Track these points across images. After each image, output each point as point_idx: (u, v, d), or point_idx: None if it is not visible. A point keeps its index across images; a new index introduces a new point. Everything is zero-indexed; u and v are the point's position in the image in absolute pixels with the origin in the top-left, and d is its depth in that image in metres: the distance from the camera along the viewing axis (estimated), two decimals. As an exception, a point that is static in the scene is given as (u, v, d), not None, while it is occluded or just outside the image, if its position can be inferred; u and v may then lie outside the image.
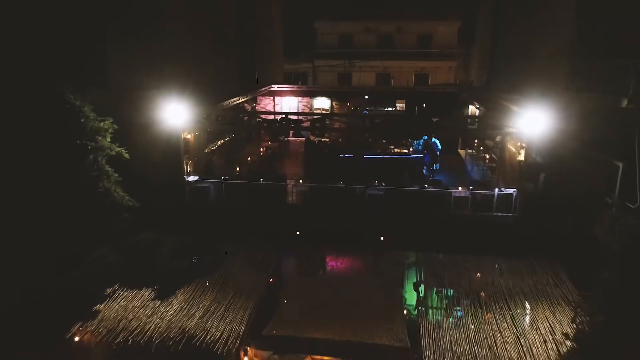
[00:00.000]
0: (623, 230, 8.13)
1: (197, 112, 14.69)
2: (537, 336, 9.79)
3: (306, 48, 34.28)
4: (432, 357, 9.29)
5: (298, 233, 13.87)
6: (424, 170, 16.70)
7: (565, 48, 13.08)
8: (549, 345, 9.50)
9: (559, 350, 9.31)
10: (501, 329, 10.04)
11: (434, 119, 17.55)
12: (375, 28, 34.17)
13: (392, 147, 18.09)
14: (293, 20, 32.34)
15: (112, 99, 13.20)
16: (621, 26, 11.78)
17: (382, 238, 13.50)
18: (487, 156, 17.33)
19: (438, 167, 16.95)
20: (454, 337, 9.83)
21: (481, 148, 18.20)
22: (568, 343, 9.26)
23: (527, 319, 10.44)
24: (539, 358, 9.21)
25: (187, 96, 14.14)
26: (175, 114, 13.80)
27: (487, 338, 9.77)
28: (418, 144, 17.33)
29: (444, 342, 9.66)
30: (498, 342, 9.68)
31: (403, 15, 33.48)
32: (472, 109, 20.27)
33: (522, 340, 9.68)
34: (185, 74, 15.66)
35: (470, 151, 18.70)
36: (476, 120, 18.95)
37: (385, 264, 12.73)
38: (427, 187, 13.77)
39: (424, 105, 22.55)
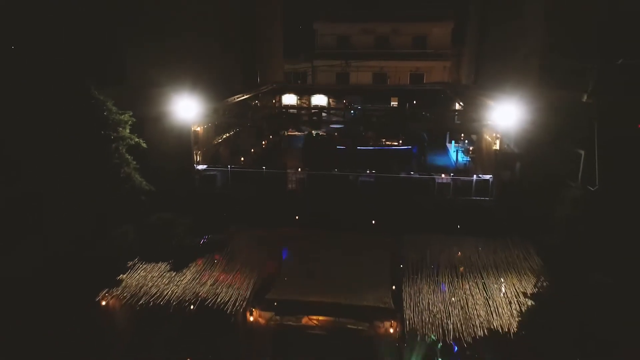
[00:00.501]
0: (566, 200, 9.63)
1: (206, 107, 16.20)
2: (503, 299, 11.31)
3: (306, 48, 35.66)
4: (411, 315, 10.80)
5: (297, 218, 15.36)
6: (412, 161, 18.20)
7: (536, 50, 14.58)
8: (513, 306, 11.02)
9: (521, 309, 10.82)
10: (473, 294, 11.56)
11: (424, 113, 18.99)
12: (372, 29, 35.54)
13: (384, 139, 19.60)
14: (293, 21, 33.77)
15: (130, 95, 14.68)
16: (584, 31, 13.27)
17: (373, 222, 15.02)
18: (471, 148, 18.84)
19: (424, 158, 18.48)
20: (431, 299, 11.34)
21: (466, 141, 19.71)
22: (529, 302, 10.82)
23: (497, 285, 11.92)
24: (503, 315, 10.72)
25: (197, 93, 15.65)
26: (186, 109, 15.29)
27: (460, 300, 11.29)
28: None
29: (423, 304, 11.17)
30: (469, 303, 11.19)
31: (399, 17, 34.80)
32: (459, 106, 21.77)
33: (490, 302, 11.20)
34: (194, 73, 17.19)
35: (456, 144, 20.21)
36: (460, 114, 20.44)
37: (375, 242, 14.17)
38: (412, 174, 15.26)
39: (414, 102, 24.06)
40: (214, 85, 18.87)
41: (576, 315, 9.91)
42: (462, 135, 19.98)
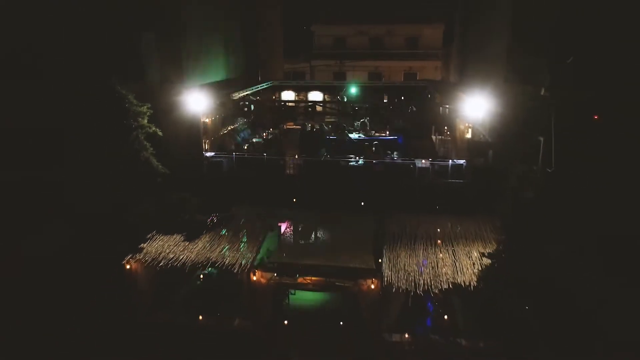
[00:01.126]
0: (513, 174, 11.63)
1: (213, 101, 18.19)
2: (468, 260, 13.32)
3: (304, 49, 37.67)
4: (389, 273, 12.81)
5: (295, 200, 17.32)
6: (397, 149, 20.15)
7: (504, 49, 16.55)
8: (476, 266, 13.03)
9: (481, 268, 12.82)
10: (443, 257, 13.56)
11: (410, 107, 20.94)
12: (367, 31, 37.47)
13: (373, 131, 21.58)
14: (292, 23, 35.79)
15: (147, 90, 16.66)
16: (541, 32, 15.23)
17: (362, 203, 16.98)
18: (449, 138, 20.85)
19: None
20: (407, 262, 13.34)
21: (448, 133, 21.71)
22: (488, 262, 12.83)
23: (464, 251, 13.89)
24: (466, 272, 12.73)
25: (205, 89, 17.64)
26: (196, 102, 17.26)
27: (431, 262, 13.30)
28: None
29: (399, 265, 13.17)
30: (439, 264, 13.20)
31: (392, 19, 36.79)
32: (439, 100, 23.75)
33: (456, 263, 13.21)
34: (200, 71, 19.19)
35: (440, 137, 22.24)
36: (446, 107, 22.36)
37: (362, 218, 16.16)
38: (395, 159, 17.24)
39: (402, 97, 26.07)
40: (219, 82, 20.87)
41: (525, 272, 11.91)
42: (446, 127, 21.96)
